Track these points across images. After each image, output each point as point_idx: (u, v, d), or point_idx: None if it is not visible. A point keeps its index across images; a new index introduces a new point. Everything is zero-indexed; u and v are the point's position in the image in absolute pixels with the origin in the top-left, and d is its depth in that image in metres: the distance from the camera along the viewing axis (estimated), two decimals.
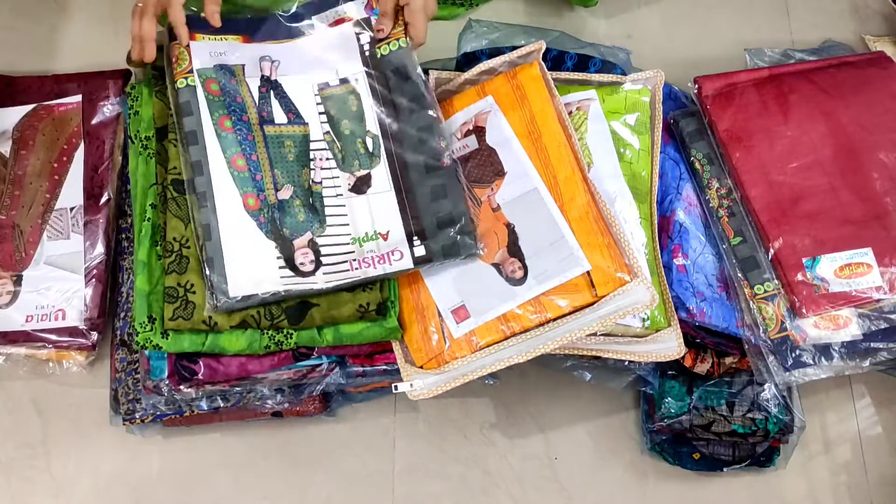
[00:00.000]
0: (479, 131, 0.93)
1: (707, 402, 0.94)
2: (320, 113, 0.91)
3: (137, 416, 0.92)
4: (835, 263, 0.90)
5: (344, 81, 0.92)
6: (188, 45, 0.89)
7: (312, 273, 0.84)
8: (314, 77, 0.92)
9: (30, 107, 1.04)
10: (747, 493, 1.01)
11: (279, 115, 0.90)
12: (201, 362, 0.85)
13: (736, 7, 1.23)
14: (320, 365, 0.89)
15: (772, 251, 0.92)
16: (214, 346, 0.83)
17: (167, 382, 0.84)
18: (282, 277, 0.83)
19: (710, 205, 0.96)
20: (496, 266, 0.87)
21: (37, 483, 0.98)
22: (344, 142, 0.90)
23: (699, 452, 0.99)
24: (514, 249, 0.87)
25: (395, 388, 0.84)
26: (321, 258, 0.85)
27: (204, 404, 0.89)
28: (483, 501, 1.00)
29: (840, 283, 0.89)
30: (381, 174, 0.89)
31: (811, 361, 0.89)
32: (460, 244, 0.85)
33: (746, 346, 0.91)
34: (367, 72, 0.92)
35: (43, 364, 0.98)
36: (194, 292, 0.83)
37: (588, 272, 0.85)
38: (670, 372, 0.97)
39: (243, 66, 0.91)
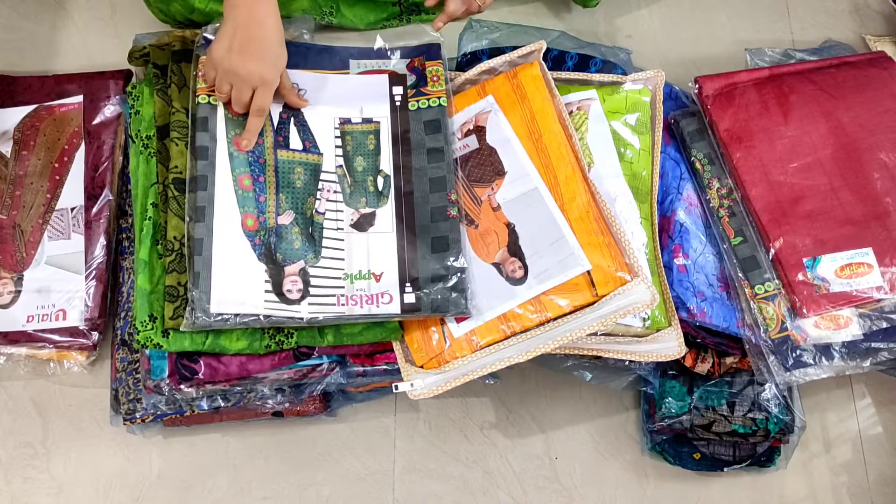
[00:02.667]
0: (479, 131, 0.93)
1: (707, 402, 0.94)
2: (337, 146, 0.91)
3: (138, 415, 0.92)
4: (835, 263, 0.90)
5: (367, 121, 0.93)
6: None
7: (297, 302, 0.83)
8: (337, 111, 0.93)
9: (31, 107, 1.04)
10: (748, 493, 1.01)
11: (295, 142, 0.90)
12: (202, 362, 0.85)
13: (736, 7, 1.23)
14: (321, 365, 0.89)
15: (772, 251, 0.92)
16: (215, 345, 0.83)
17: (168, 382, 0.84)
18: (266, 301, 0.83)
19: (711, 205, 0.96)
20: (496, 265, 0.87)
21: (37, 483, 0.98)
22: (355, 178, 0.90)
23: (700, 452, 0.99)
24: (515, 249, 0.87)
25: (396, 387, 0.84)
26: (309, 288, 0.84)
27: (204, 404, 0.89)
28: (483, 501, 1.00)
29: (841, 283, 0.89)
30: (385, 215, 0.89)
31: (812, 361, 0.89)
32: (451, 302, 0.84)
33: (747, 346, 0.91)
34: (392, 117, 0.93)
35: (43, 364, 0.98)
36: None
37: (588, 272, 0.85)
38: (671, 372, 0.97)
39: None
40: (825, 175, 0.95)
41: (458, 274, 0.85)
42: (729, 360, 0.95)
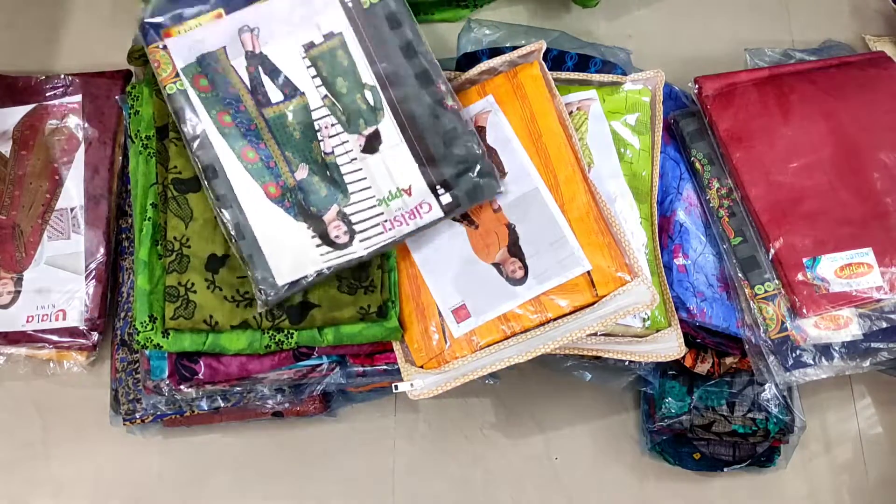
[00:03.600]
0: (479, 131, 0.93)
1: (707, 402, 0.94)
2: (313, 77, 0.88)
3: (138, 416, 0.92)
4: (835, 263, 0.90)
5: (329, 36, 0.88)
6: (165, 46, 0.87)
7: (349, 243, 0.84)
8: (298, 38, 0.88)
9: (30, 107, 1.04)
10: (748, 493, 1.01)
11: (274, 94, 0.87)
12: (202, 362, 0.85)
13: (736, 7, 1.23)
14: (321, 365, 0.89)
15: (772, 251, 0.92)
16: (215, 345, 0.83)
17: (167, 382, 0.84)
18: (321, 255, 0.83)
19: (711, 205, 0.96)
20: (497, 266, 0.87)
21: (37, 483, 0.98)
22: (344, 101, 0.87)
23: (699, 452, 0.99)
24: (515, 249, 0.87)
25: (396, 387, 0.84)
26: (353, 227, 0.85)
27: (204, 404, 0.89)
28: (483, 501, 1.00)
29: (840, 283, 0.89)
30: (388, 128, 0.87)
31: (811, 361, 0.89)
32: (484, 186, 0.85)
33: (747, 346, 0.91)
34: (352, 23, 0.88)
35: (43, 364, 0.98)
36: (195, 291, 0.83)
37: (588, 272, 0.85)
38: (671, 372, 0.97)
39: (224, 48, 0.88)
40: (825, 175, 0.95)
41: (480, 159, 0.86)
42: (729, 360, 0.95)
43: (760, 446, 0.97)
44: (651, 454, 1.01)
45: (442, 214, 0.85)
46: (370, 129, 0.87)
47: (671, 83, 1.05)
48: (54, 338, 0.95)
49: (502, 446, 1.02)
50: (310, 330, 0.85)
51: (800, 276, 0.90)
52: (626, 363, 0.91)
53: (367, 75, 0.87)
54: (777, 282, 0.91)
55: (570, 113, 0.96)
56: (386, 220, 0.85)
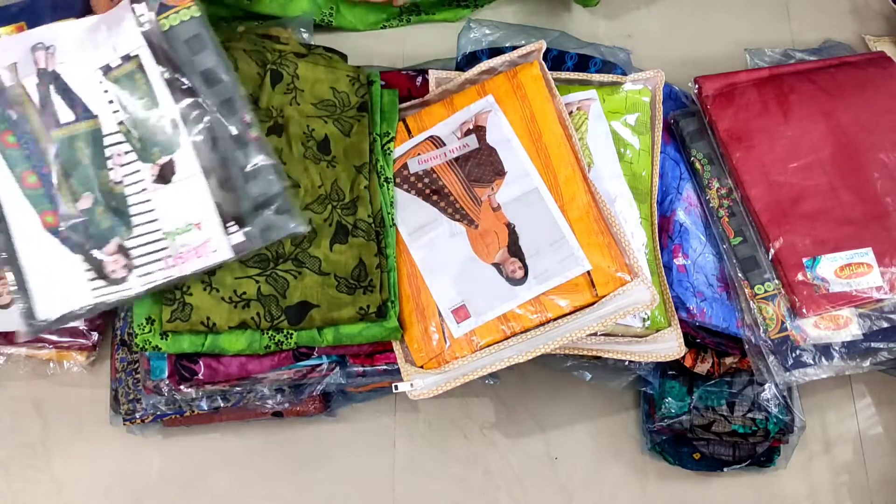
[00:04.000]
0: (479, 130, 0.93)
1: (707, 402, 0.94)
2: (109, 101, 0.82)
3: (138, 415, 0.92)
4: (835, 263, 0.90)
5: (125, 59, 0.82)
6: None
7: (125, 279, 0.80)
8: (95, 60, 0.83)
9: None
10: (747, 493, 1.01)
11: (65, 114, 0.81)
12: (201, 362, 0.85)
13: (736, 7, 1.23)
14: (320, 365, 0.89)
15: (772, 251, 0.92)
16: (214, 346, 0.83)
17: (167, 382, 0.84)
18: (93, 290, 0.79)
19: (711, 205, 0.96)
20: (496, 266, 0.87)
21: (37, 483, 0.98)
22: (140, 129, 0.82)
23: (699, 452, 0.99)
24: (515, 249, 0.87)
25: (396, 387, 0.84)
26: (133, 261, 0.80)
27: (204, 404, 0.89)
28: (483, 501, 1.00)
29: (840, 283, 0.89)
30: (185, 158, 0.81)
31: (811, 361, 0.89)
32: (278, 225, 0.80)
33: (747, 346, 0.91)
34: (149, 45, 0.82)
35: (43, 364, 0.98)
36: (191, 294, 0.82)
37: (588, 272, 0.85)
38: (670, 372, 0.97)
39: (15, 64, 0.82)
40: (825, 175, 0.95)
41: (279, 195, 0.80)
42: (729, 360, 0.95)
43: (760, 446, 0.97)
44: (651, 454, 1.01)
45: (231, 255, 0.79)
46: (165, 159, 0.81)
47: (671, 83, 1.05)
48: (54, 338, 0.95)
49: (502, 446, 1.02)
50: (309, 330, 0.85)
51: (800, 276, 0.90)
52: (626, 363, 0.91)
53: (167, 104, 0.82)
54: (777, 282, 0.91)
55: (570, 113, 0.96)
56: (169, 256, 0.80)
